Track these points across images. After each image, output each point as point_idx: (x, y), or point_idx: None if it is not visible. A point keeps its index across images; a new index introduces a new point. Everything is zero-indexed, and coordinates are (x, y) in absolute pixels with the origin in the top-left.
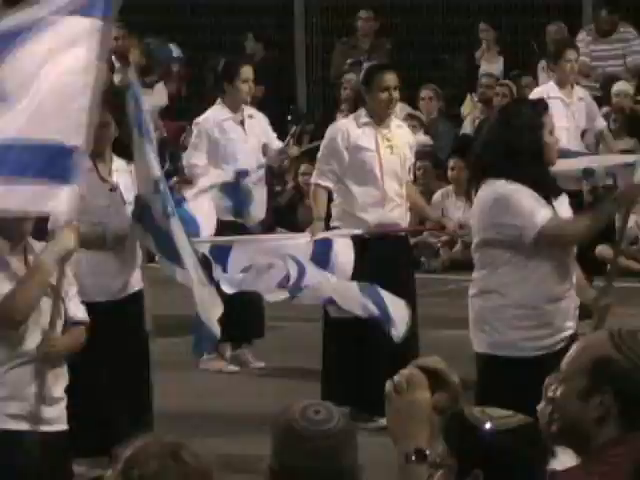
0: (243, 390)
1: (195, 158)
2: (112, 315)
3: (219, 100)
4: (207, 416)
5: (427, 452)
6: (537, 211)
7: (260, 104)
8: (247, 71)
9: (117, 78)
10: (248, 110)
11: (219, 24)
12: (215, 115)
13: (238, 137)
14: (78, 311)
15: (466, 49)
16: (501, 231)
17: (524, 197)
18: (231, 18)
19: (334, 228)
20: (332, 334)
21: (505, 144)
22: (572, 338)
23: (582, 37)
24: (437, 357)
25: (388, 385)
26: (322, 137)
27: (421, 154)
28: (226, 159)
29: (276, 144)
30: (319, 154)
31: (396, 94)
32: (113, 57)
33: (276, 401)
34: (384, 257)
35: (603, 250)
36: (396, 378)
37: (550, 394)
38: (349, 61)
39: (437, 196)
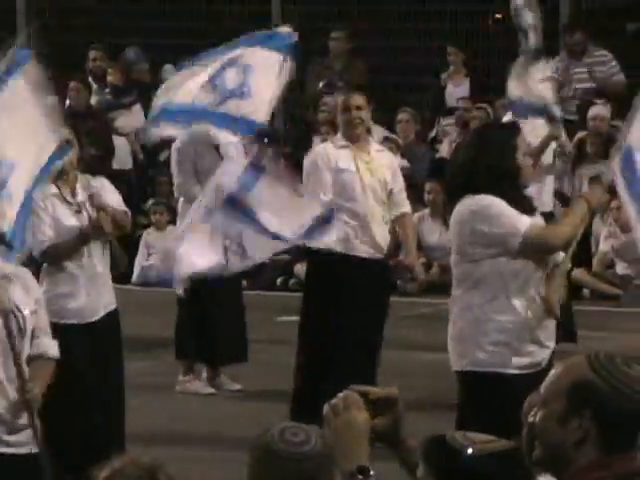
0: (220, 412)
1: (181, 179)
2: (84, 338)
3: None
4: (183, 439)
5: (370, 468)
6: (518, 219)
7: None
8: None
9: (94, 99)
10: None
11: (203, 46)
12: (191, 139)
13: (214, 160)
14: (50, 347)
15: (436, 72)
16: (483, 242)
17: (504, 207)
18: (210, 40)
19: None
20: (304, 355)
21: (482, 165)
22: (551, 359)
23: (554, 62)
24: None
25: (325, 407)
26: (299, 158)
27: None
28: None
29: None
30: (305, 180)
31: (361, 114)
32: (90, 78)
33: (253, 423)
34: (366, 278)
35: (580, 274)
36: (332, 400)
37: (530, 419)
38: (322, 82)
39: (413, 218)
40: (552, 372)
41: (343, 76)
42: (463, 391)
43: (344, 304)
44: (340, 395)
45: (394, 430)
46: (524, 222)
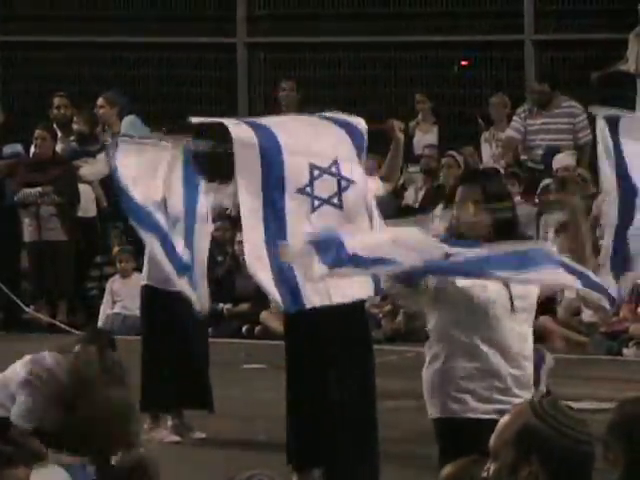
0: (185, 461)
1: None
2: None
3: None
4: None
5: None
6: None
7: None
8: None
9: (59, 147)
10: None
11: (166, 94)
12: None
13: None
14: None
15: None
16: None
17: None
18: (178, 88)
19: None
20: (294, 400)
21: None
22: None
23: (519, 111)
24: None
25: None
26: None
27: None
28: None
29: None
30: None
31: None
32: (55, 126)
33: (219, 472)
34: (342, 325)
35: (545, 321)
36: None
37: (484, 474)
38: None
39: None
40: (499, 423)
41: None
42: (437, 439)
43: (321, 350)
44: None
45: None
46: None
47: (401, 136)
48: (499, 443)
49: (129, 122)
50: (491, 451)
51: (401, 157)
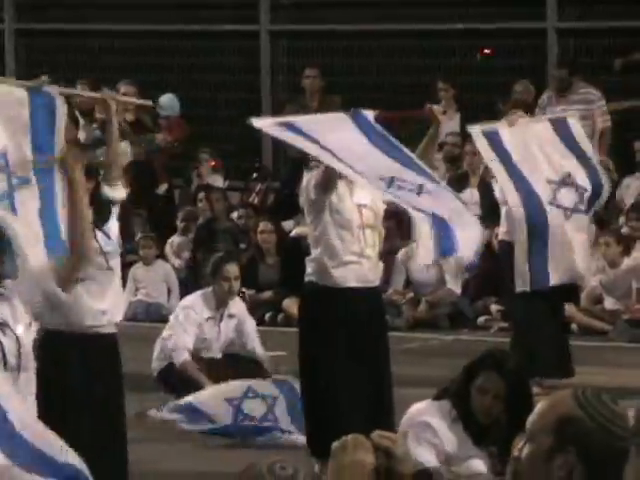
0: (210, 446)
1: (184, 342)
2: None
3: (211, 291)
4: (168, 475)
5: None
6: None
7: (226, 162)
8: (230, 269)
9: (82, 135)
10: (232, 307)
11: (189, 82)
12: (201, 310)
13: (211, 338)
14: None
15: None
16: None
17: None
18: (201, 75)
19: (310, 282)
20: (309, 393)
21: None
22: None
23: (540, 101)
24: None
25: (335, 444)
26: (288, 195)
27: (387, 213)
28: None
29: (258, 350)
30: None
31: None
32: (77, 113)
33: (242, 458)
34: (359, 310)
35: (568, 309)
36: (343, 438)
37: (515, 453)
38: None
39: (401, 254)
40: (538, 407)
41: (319, 112)
42: None
43: (339, 336)
44: (351, 435)
45: None
46: None
47: (441, 119)
48: (537, 426)
49: (169, 99)
50: (527, 432)
51: (436, 143)
